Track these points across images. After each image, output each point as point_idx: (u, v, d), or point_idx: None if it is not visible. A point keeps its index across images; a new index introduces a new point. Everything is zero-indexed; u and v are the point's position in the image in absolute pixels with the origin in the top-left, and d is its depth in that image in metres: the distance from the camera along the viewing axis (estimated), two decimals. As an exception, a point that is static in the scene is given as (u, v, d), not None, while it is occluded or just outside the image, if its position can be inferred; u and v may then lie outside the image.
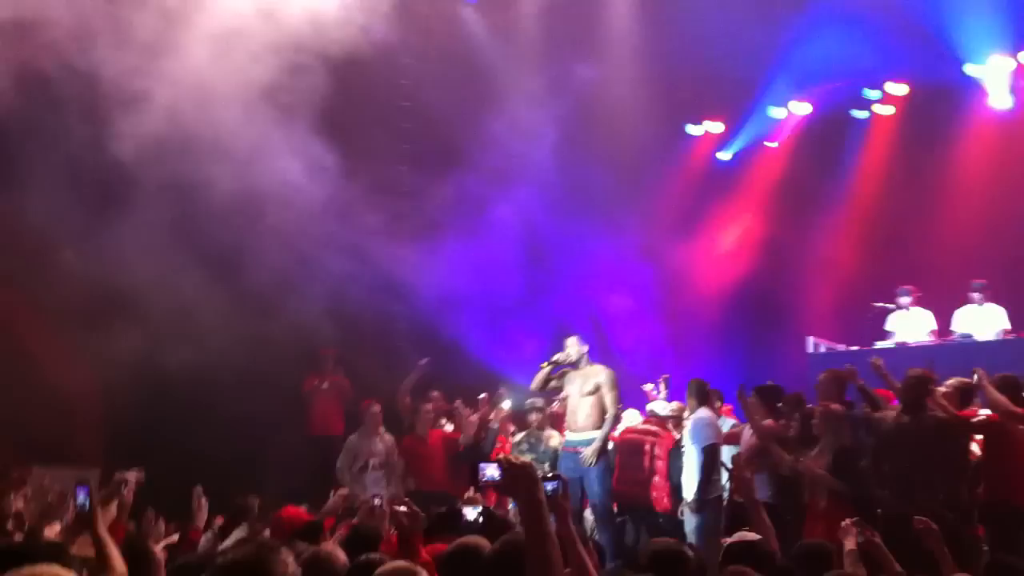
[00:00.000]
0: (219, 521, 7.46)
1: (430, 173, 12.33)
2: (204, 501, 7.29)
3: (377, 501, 7.55)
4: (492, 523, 6.18)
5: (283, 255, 10.69)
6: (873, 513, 7.39)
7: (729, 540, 4.96)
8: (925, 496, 7.44)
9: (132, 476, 6.36)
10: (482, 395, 11.08)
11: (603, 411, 9.37)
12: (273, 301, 10.56)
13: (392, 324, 11.81)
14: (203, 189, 9.97)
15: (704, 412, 9.10)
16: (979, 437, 8.20)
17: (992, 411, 7.98)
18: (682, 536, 8.75)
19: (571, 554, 3.65)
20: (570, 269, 13.29)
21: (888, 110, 14.13)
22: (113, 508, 6.30)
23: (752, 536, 5.08)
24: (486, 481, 3.57)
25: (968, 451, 8.17)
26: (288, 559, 3.03)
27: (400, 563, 4.00)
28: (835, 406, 8.33)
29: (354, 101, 11.49)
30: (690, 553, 4.48)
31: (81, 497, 5.15)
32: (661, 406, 9.93)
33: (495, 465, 3.63)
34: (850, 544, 5.28)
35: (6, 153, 10.12)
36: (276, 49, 10.03)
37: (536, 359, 10.21)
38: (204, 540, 6.56)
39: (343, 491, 7.83)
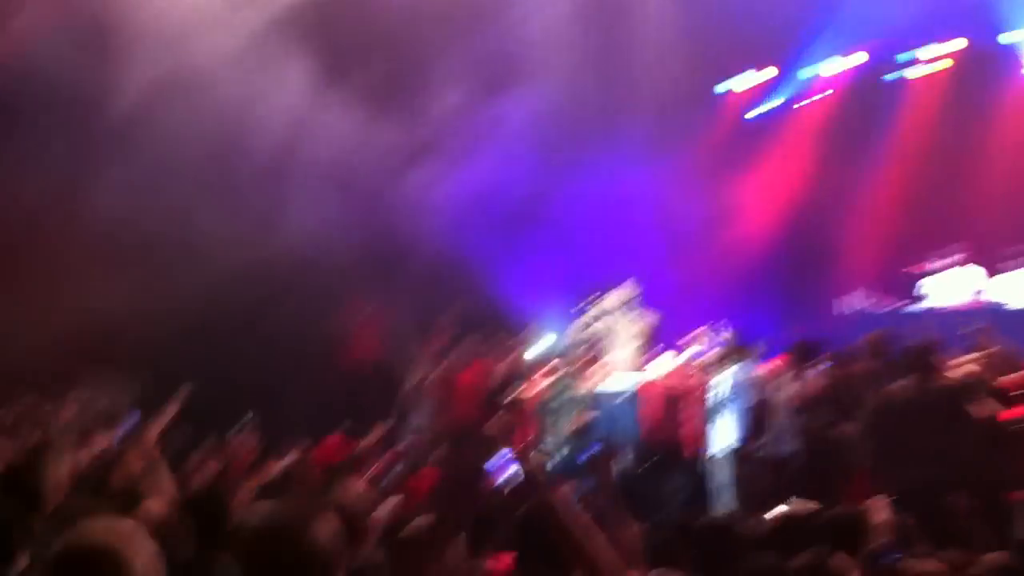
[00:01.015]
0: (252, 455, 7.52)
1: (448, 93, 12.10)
2: (250, 434, 7.44)
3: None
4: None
5: (293, 186, 10.71)
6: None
7: (784, 508, 4.87)
8: (942, 468, 7.28)
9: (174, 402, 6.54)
10: (518, 334, 11.11)
11: (638, 359, 9.42)
12: (292, 231, 10.62)
13: (414, 251, 11.78)
14: (206, 125, 10.05)
15: (748, 367, 9.11)
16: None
17: None
18: (709, 486, 8.84)
19: (608, 519, 3.68)
20: (600, 197, 13.08)
21: (937, 69, 13.84)
22: (153, 432, 6.51)
23: (809, 506, 4.97)
24: (503, 485, 3.54)
25: (994, 416, 8.07)
26: (330, 520, 3.07)
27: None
28: (872, 369, 8.31)
29: (350, 26, 11.34)
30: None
31: (129, 422, 5.32)
32: (696, 355, 9.92)
33: (508, 463, 3.61)
34: (880, 516, 5.24)
35: (28, 105, 10.28)
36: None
37: (567, 291, 10.12)
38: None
39: (381, 428, 7.90)
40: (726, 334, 9.32)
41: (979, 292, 11.47)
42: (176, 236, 10.42)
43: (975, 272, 11.57)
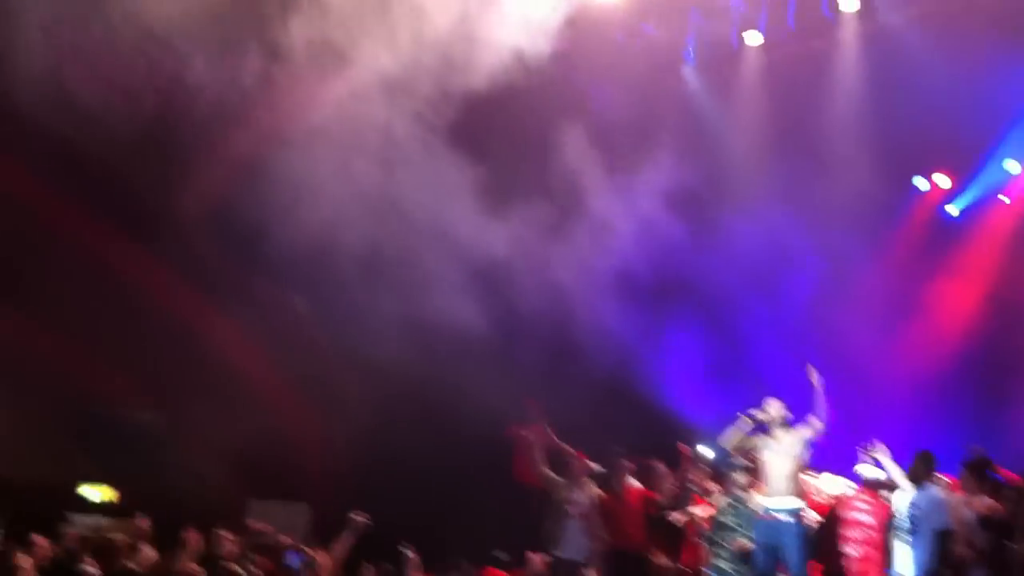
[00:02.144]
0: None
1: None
2: (415, 559, 7.69)
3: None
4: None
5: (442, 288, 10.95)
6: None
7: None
8: None
9: (359, 521, 6.97)
10: (678, 446, 10.81)
11: (804, 476, 8.99)
12: (474, 351, 10.81)
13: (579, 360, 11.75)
14: (358, 239, 10.43)
15: (938, 490, 8.60)
16: None
17: None
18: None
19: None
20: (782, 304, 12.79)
21: None
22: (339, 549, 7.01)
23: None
24: None
25: None
26: None
27: None
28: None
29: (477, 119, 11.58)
30: None
31: (296, 562, 5.71)
32: (870, 470, 9.38)
33: None
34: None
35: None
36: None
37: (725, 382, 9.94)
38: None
39: (542, 557, 7.85)
40: (916, 453, 8.80)
41: None
42: (342, 353, 10.81)
43: None
